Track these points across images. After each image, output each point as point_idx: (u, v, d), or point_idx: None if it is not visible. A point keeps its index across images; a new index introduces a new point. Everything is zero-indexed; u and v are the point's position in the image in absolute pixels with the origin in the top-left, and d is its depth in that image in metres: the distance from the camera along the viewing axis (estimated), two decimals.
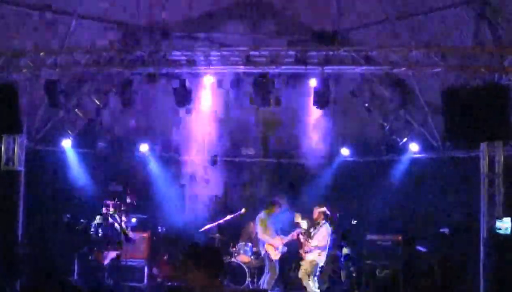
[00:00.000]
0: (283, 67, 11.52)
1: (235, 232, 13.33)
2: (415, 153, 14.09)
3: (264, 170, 15.41)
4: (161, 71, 11.79)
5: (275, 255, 11.92)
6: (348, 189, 14.43)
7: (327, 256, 11.62)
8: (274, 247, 11.91)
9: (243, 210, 12.95)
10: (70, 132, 13.74)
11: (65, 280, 11.30)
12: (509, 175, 11.55)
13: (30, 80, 12.01)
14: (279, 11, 14.10)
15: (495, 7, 11.64)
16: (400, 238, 12.63)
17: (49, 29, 12.73)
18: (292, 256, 12.27)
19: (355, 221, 12.90)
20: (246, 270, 12.34)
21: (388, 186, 14.09)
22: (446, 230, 12.79)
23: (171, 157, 15.12)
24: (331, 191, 14.24)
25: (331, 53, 11.32)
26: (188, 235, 13.45)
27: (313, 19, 14.01)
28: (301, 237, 11.59)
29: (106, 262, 12.31)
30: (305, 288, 11.33)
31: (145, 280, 12.84)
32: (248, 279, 12.29)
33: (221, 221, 12.88)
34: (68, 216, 12.82)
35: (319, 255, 11.38)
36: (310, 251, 11.42)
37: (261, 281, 12.10)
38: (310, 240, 11.40)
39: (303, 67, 11.37)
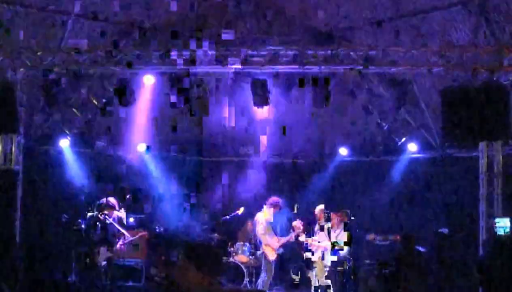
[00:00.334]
0: (281, 67, 11.50)
1: (234, 232, 13.32)
2: (413, 153, 14.09)
3: (263, 169, 15.39)
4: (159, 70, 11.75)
5: (272, 256, 11.93)
6: (346, 189, 14.41)
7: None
8: (271, 248, 11.91)
9: (241, 210, 12.95)
10: (68, 131, 13.72)
11: (62, 280, 11.31)
12: (508, 175, 11.54)
13: (28, 79, 11.97)
14: (279, 11, 14.06)
15: (494, 6, 11.62)
16: (399, 237, 12.60)
17: (47, 28, 12.69)
18: (293, 257, 12.26)
19: (353, 218, 12.90)
20: (244, 270, 12.33)
21: (387, 186, 14.07)
22: (445, 230, 12.78)
23: (170, 156, 15.08)
24: (329, 190, 14.23)
25: (329, 52, 11.30)
26: (186, 235, 13.42)
27: (313, 19, 13.96)
28: (302, 238, 11.60)
29: (102, 261, 12.26)
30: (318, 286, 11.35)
31: (143, 280, 12.82)
32: (246, 279, 12.29)
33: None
34: (66, 215, 12.77)
35: (324, 254, 11.42)
36: (316, 250, 11.48)
37: (258, 282, 12.10)
38: (313, 240, 11.45)
39: (301, 67, 11.35)
